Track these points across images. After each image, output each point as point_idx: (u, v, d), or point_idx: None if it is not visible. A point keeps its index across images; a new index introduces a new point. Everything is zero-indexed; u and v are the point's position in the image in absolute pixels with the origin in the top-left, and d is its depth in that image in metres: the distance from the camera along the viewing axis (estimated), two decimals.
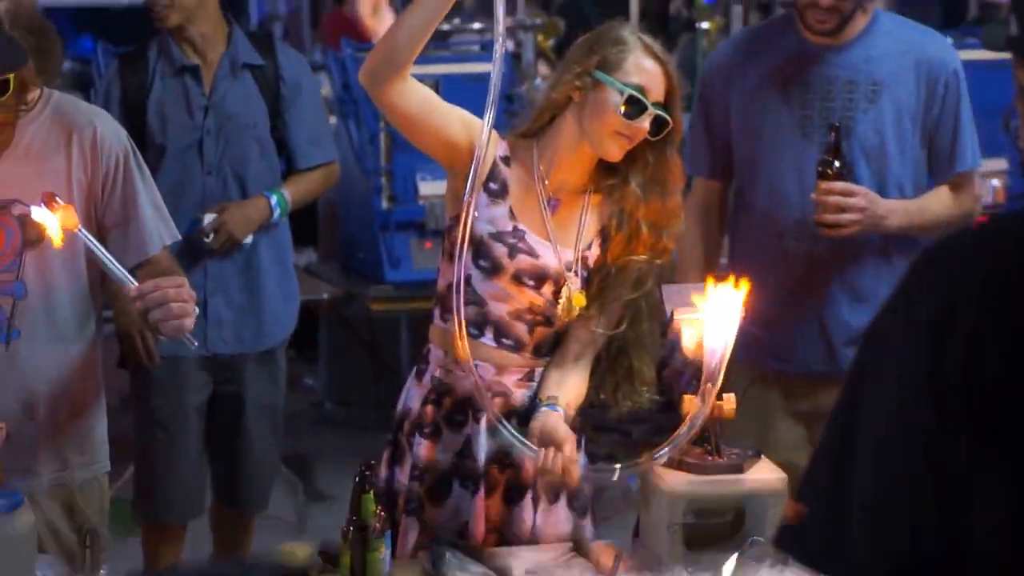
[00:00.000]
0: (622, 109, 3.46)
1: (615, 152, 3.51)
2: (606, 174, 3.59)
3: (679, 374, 3.40)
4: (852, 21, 4.11)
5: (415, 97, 3.48)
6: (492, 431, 3.52)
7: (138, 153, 3.62)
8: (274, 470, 5.40)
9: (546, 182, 3.58)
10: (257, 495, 5.22)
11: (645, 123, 3.47)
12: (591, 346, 3.60)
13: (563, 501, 3.62)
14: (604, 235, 3.59)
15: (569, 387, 3.56)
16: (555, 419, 3.45)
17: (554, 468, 3.38)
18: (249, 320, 5.03)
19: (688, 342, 3.37)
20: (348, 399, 7.71)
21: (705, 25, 8.95)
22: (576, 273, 3.56)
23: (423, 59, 5.44)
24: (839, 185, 4.01)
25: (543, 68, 7.68)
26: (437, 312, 3.65)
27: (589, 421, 3.62)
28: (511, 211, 3.56)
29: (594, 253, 3.59)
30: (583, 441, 3.58)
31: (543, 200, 3.58)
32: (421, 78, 3.61)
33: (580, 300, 3.55)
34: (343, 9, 10.54)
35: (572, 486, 3.52)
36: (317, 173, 5.20)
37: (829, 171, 4.01)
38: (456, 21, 7.75)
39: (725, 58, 4.35)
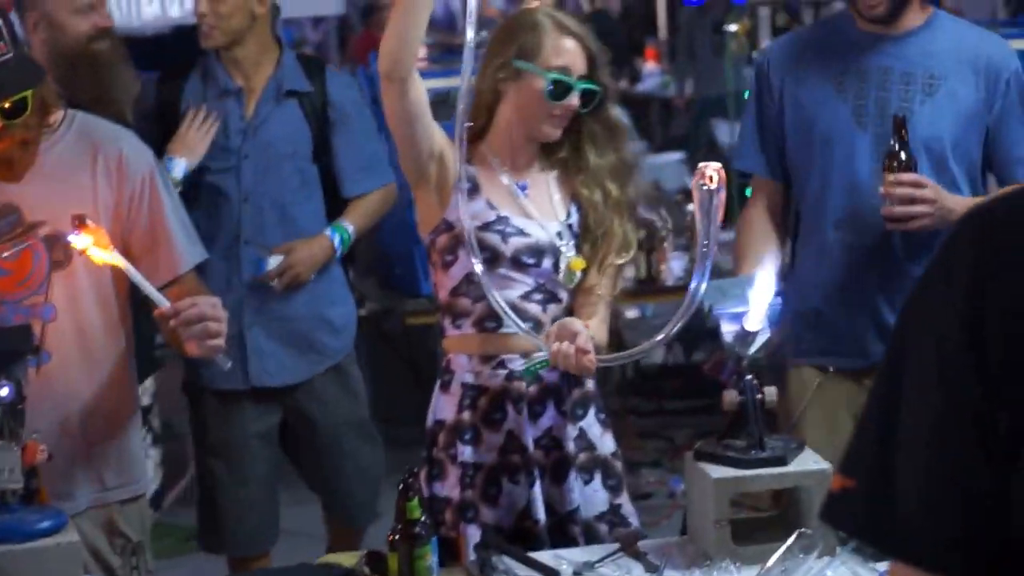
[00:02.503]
0: (550, 94, 3.47)
1: (553, 132, 3.56)
2: (556, 147, 3.61)
3: (720, 365, 3.27)
4: (908, 12, 3.88)
5: (421, 93, 3.45)
6: (533, 418, 3.52)
7: (165, 173, 3.51)
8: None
9: (507, 171, 3.58)
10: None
11: (574, 100, 3.51)
12: (600, 304, 3.58)
13: (598, 480, 3.59)
14: (578, 202, 3.61)
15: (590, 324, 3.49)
16: (570, 319, 3.43)
17: (567, 355, 3.32)
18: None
19: (728, 336, 3.25)
20: (388, 415, 7.59)
21: (733, 27, 8.88)
22: (566, 242, 3.55)
23: (434, 72, 5.32)
24: (909, 176, 3.71)
25: None
26: (448, 321, 3.60)
27: (635, 428, 3.54)
28: (488, 203, 3.55)
29: (576, 220, 3.61)
30: (618, 448, 3.60)
31: (512, 186, 3.58)
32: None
33: (579, 264, 3.56)
34: (370, 30, 10.44)
35: (586, 372, 3.44)
36: (374, 198, 4.87)
37: (896, 163, 3.73)
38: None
39: (781, 52, 4.07)
